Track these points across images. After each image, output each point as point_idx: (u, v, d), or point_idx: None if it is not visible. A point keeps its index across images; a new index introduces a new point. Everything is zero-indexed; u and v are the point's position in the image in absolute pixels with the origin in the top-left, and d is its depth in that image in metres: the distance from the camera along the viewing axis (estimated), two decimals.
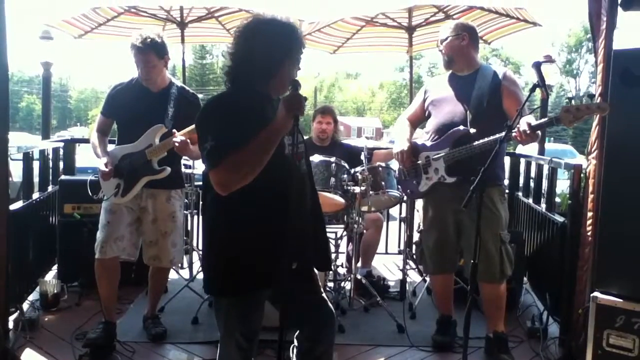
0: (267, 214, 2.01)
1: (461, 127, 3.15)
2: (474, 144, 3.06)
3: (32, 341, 3.27)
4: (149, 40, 3.16)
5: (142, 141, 3.25)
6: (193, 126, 3.19)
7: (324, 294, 2.26)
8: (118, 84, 3.43)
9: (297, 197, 1.88)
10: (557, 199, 4.85)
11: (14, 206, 3.56)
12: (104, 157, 3.27)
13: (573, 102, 2.66)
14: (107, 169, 3.22)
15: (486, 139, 3.01)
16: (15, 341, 3.22)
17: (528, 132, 2.79)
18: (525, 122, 2.80)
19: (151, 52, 3.20)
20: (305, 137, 2.27)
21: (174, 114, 3.28)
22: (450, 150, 3.16)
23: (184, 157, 4.54)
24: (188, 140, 3.15)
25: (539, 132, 2.92)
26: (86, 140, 4.30)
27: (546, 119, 2.90)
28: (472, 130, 3.11)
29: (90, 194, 3.53)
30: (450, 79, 3.33)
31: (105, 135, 3.43)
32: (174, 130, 3.16)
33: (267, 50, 2.01)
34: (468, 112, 3.16)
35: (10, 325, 3.28)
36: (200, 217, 3.93)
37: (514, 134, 2.81)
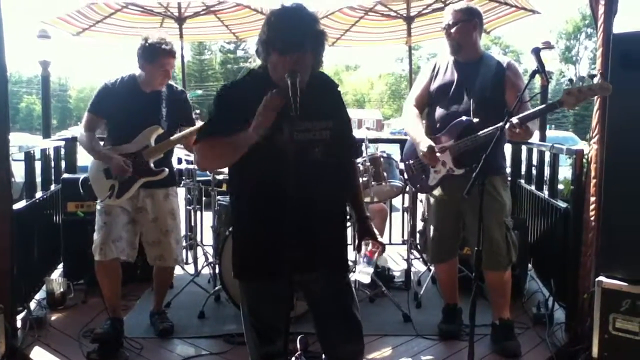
0: (267, 207, 2.02)
1: (464, 118, 3.11)
2: (479, 134, 3.02)
3: (40, 339, 3.28)
4: (173, 44, 3.22)
5: (137, 142, 3.23)
6: (188, 130, 3.22)
7: (353, 310, 2.16)
8: (108, 82, 3.33)
9: (299, 188, 1.77)
10: (560, 186, 4.84)
11: (17, 206, 3.57)
12: (114, 155, 3.18)
13: (573, 84, 2.65)
14: (127, 167, 3.15)
15: (490, 128, 2.97)
16: (24, 340, 3.24)
17: (515, 124, 2.74)
18: (516, 117, 2.75)
19: (175, 56, 3.26)
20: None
21: (167, 113, 3.28)
22: (456, 142, 3.12)
23: (185, 153, 4.57)
24: None
25: (532, 129, 2.90)
26: None
27: (548, 103, 2.88)
28: (476, 120, 3.08)
29: (82, 192, 3.53)
30: (454, 66, 3.26)
31: (94, 133, 3.34)
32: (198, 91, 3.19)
33: (259, 39, 2.02)
34: (471, 101, 3.12)
35: (18, 324, 3.30)
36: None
37: (507, 126, 2.77)
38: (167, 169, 3.26)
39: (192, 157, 4.37)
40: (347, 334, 2.15)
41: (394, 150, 4.50)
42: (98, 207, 3.31)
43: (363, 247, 2.14)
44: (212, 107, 2.07)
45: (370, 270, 2.12)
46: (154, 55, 3.17)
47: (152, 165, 3.24)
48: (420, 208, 4.69)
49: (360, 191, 2.33)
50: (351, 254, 4.34)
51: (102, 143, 3.36)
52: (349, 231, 4.35)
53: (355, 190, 2.29)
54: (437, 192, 3.33)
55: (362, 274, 2.13)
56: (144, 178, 3.24)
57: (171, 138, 3.25)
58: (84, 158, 5.29)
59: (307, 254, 1.86)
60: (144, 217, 3.34)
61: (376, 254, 2.13)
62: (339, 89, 2.23)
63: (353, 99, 60.74)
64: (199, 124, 3.28)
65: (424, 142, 3.18)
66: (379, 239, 2.20)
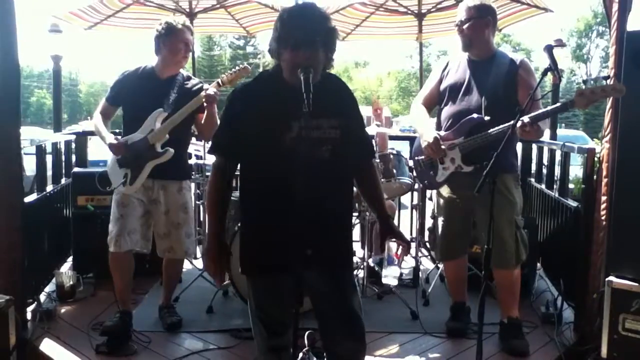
0: (274, 203, 2.02)
1: (475, 116, 3.10)
2: (489, 131, 3.01)
3: (50, 332, 3.31)
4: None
5: (144, 128, 3.25)
6: (190, 103, 3.22)
7: (356, 310, 2.14)
8: (125, 71, 3.41)
9: (307, 186, 1.78)
10: (570, 185, 4.82)
11: (28, 199, 3.59)
12: (110, 134, 3.31)
13: (586, 85, 2.62)
14: (117, 142, 3.25)
15: (500, 127, 2.95)
16: (34, 332, 3.26)
17: (526, 122, 2.71)
18: (527, 116, 2.73)
19: (192, 33, 3.37)
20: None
21: (176, 98, 3.28)
22: (465, 139, 3.11)
23: (195, 149, 4.58)
24: (214, 93, 3.20)
25: (542, 128, 2.86)
26: None
27: (560, 103, 2.86)
28: (487, 118, 3.06)
29: (100, 187, 3.56)
30: (467, 64, 3.24)
31: (108, 119, 3.44)
32: (205, 85, 3.22)
33: (272, 36, 2.05)
34: (483, 99, 3.10)
35: (29, 316, 3.33)
36: None
37: (518, 125, 2.75)
38: (171, 150, 3.23)
39: (201, 152, 4.38)
40: (349, 333, 2.14)
41: (404, 148, 4.49)
42: (115, 197, 3.33)
43: (387, 247, 2.12)
44: (222, 115, 2.14)
45: (397, 273, 2.10)
46: (174, 29, 3.26)
47: (158, 148, 3.23)
48: (430, 205, 4.69)
49: (381, 190, 2.30)
50: (356, 252, 4.37)
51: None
52: (356, 228, 4.34)
53: (375, 189, 2.26)
54: (446, 189, 3.31)
55: (389, 278, 2.10)
56: (151, 161, 3.23)
57: (172, 116, 3.23)
58: (94, 152, 5.34)
59: (312, 252, 1.86)
60: (156, 209, 3.35)
61: (402, 255, 2.09)
62: (350, 89, 2.24)
63: (362, 95, 60.61)
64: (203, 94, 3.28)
65: (429, 134, 3.18)
66: (403, 237, 2.18)
